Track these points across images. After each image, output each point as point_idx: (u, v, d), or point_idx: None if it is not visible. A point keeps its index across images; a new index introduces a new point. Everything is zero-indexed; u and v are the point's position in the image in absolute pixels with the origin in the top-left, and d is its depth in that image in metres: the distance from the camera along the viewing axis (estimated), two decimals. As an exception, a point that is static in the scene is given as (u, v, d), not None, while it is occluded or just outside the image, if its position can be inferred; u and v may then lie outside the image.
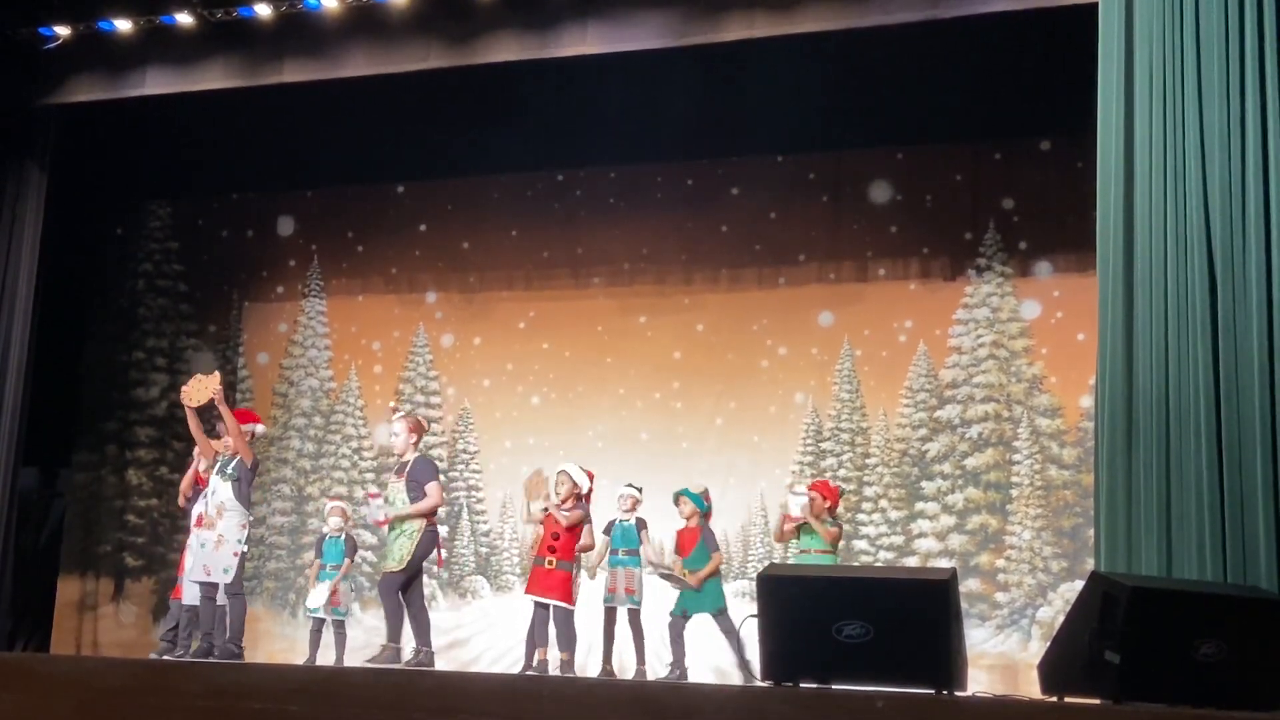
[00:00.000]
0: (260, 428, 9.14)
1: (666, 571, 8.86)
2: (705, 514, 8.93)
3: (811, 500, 8.81)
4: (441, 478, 8.89)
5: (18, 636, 11.67)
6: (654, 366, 11.50)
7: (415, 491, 8.32)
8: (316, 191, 12.76)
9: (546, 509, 8.71)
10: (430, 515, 8.38)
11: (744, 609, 9.76)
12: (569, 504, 8.71)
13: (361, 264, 12.57)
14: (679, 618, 8.74)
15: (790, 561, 9.34)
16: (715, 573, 8.81)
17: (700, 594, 8.70)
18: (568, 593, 8.60)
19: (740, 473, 11.04)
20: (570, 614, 8.59)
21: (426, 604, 8.64)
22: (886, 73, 10.24)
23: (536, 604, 8.67)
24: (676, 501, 9.01)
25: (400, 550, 8.24)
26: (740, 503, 11.02)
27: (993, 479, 10.52)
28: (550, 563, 8.62)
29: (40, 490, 12.61)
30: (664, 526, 9.50)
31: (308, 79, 10.09)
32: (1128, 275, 7.37)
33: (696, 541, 8.84)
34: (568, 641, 8.56)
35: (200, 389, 8.57)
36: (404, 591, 8.31)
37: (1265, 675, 5.19)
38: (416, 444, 8.55)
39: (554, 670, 8.54)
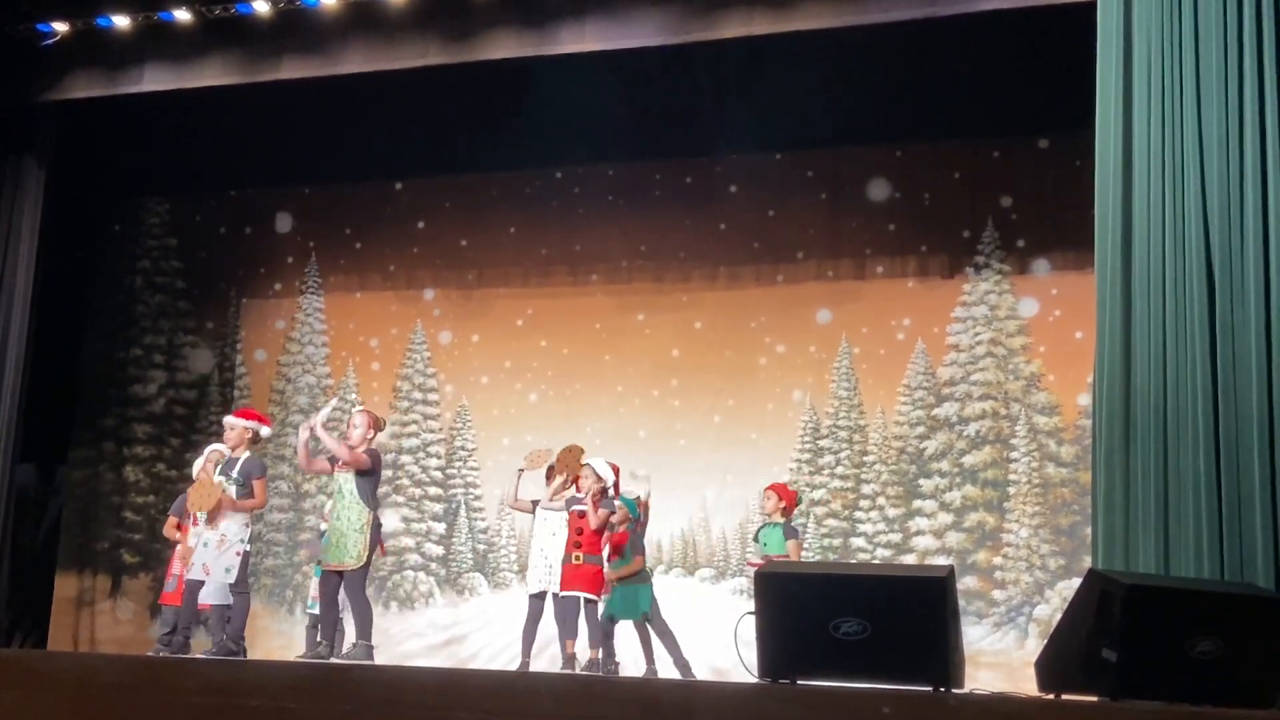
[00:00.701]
0: (266, 429, 9.06)
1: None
2: (636, 521, 8.90)
3: (766, 498, 8.87)
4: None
5: (15, 633, 11.67)
6: (652, 364, 11.50)
7: (364, 486, 8.30)
8: (314, 188, 12.76)
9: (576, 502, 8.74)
10: (373, 501, 8.39)
11: (741, 606, 9.81)
12: (595, 498, 8.71)
13: (359, 261, 12.57)
14: (608, 621, 8.75)
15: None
16: (634, 575, 8.74)
17: (623, 599, 8.68)
18: (597, 585, 8.62)
19: (738, 470, 11.04)
20: (597, 606, 8.62)
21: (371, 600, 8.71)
22: (885, 70, 10.24)
23: (563, 598, 8.64)
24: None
25: (356, 547, 8.19)
26: (738, 500, 11.03)
27: (990, 477, 10.53)
28: (578, 558, 8.63)
29: (38, 487, 12.60)
30: (659, 526, 9.54)
31: (306, 76, 10.08)
32: (1126, 273, 7.37)
33: (625, 544, 8.81)
34: (600, 636, 8.59)
35: (206, 496, 8.42)
36: (341, 588, 8.33)
37: (1261, 673, 5.19)
38: (371, 440, 8.51)
39: (584, 666, 8.57)
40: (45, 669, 5.91)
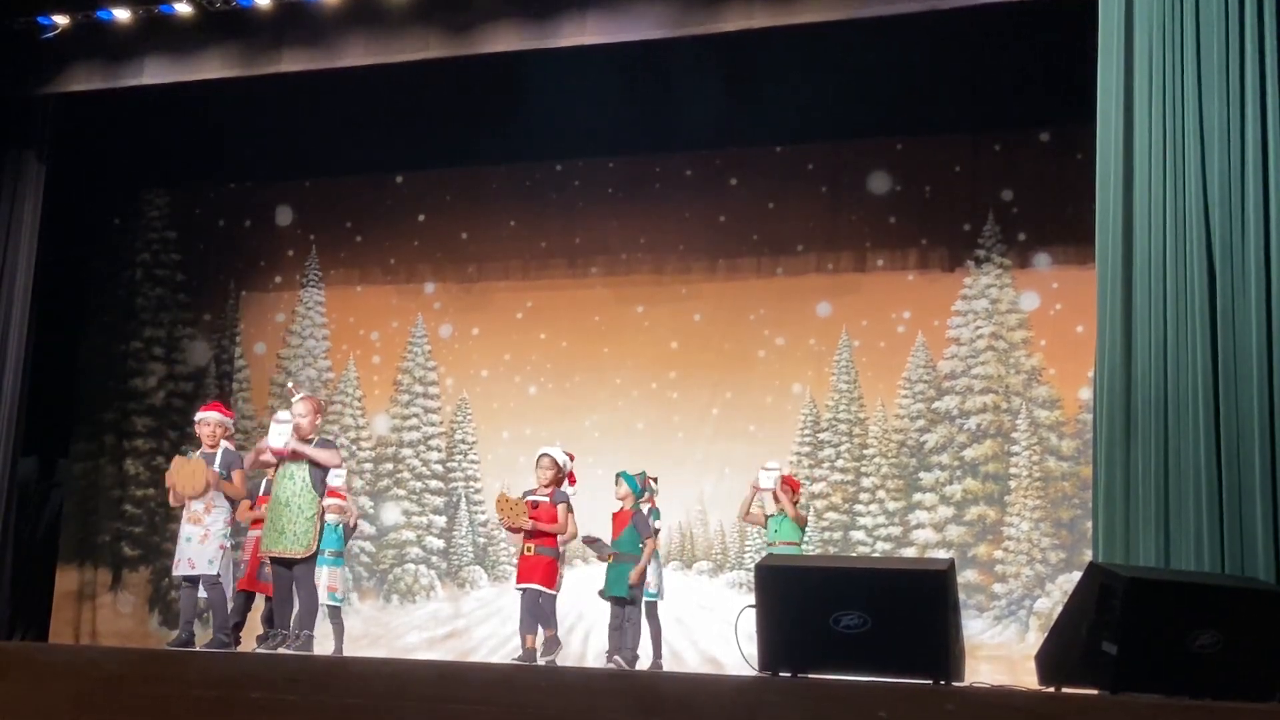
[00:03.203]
0: (231, 421, 8.97)
1: (593, 540, 8.97)
2: (639, 497, 8.94)
3: (774, 492, 8.94)
4: (342, 452, 8.93)
5: (16, 626, 11.66)
6: (651, 356, 11.50)
7: (316, 473, 8.17)
8: (315, 181, 12.74)
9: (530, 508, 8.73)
10: (327, 480, 8.35)
11: (740, 600, 9.81)
12: (550, 489, 8.73)
13: (360, 254, 12.56)
14: (611, 601, 8.85)
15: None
16: (632, 558, 8.84)
17: (617, 577, 8.79)
18: (549, 578, 8.60)
19: (736, 463, 11.02)
20: (552, 599, 8.62)
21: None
22: (885, 63, 10.22)
23: (525, 592, 8.67)
24: (616, 483, 9.07)
25: (307, 536, 8.07)
26: (737, 494, 10.96)
27: (991, 470, 10.53)
28: (530, 549, 8.65)
29: (38, 480, 12.59)
30: (664, 515, 9.55)
31: (306, 69, 10.06)
32: (1127, 267, 7.37)
33: (626, 524, 8.88)
34: (548, 622, 8.60)
35: (190, 476, 8.32)
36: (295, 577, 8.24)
37: (1262, 666, 5.20)
38: (319, 426, 8.43)
39: (539, 651, 8.56)
40: (45, 661, 5.92)
